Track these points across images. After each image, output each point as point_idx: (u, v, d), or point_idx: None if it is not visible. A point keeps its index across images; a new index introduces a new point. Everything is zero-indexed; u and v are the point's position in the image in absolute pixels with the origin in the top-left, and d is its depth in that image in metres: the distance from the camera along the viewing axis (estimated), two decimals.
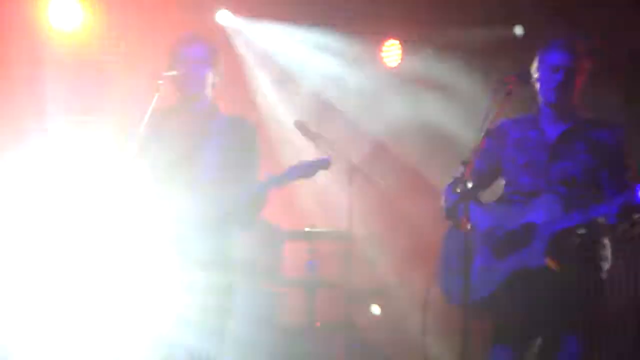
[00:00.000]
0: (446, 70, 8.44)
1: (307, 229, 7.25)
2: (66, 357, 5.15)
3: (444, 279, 4.78)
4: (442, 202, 4.81)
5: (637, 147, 4.74)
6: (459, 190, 4.20)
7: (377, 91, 8.77)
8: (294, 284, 7.46)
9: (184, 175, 4.71)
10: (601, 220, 4.47)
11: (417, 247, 8.11)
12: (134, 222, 4.69)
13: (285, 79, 8.73)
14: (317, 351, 7.27)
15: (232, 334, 6.59)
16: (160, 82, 4.58)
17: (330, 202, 7.84)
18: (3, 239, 6.68)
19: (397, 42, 8.86)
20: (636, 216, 4.29)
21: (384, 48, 8.91)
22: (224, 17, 8.58)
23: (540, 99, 4.70)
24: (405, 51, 8.80)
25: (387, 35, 8.85)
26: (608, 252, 4.63)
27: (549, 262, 4.37)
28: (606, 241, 4.62)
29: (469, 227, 4.17)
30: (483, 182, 4.83)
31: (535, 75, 4.66)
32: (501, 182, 4.86)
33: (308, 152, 7.59)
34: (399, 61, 8.83)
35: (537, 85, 4.67)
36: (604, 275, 4.60)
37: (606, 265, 4.61)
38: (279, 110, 8.68)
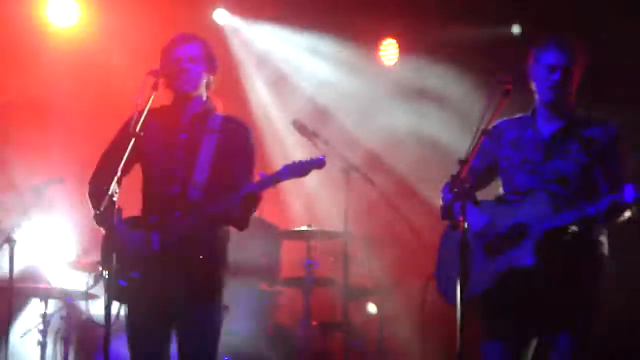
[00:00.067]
0: (441, 78, 8.46)
1: (304, 228, 7.24)
2: None
3: (440, 278, 4.78)
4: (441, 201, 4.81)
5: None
6: (455, 190, 4.20)
7: (371, 97, 8.77)
8: (291, 283, 7.46)
9: (179, 174, 4.70)
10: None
11: (415, 246, 8.11)
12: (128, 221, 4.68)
13: (279, 81, 8.73)
14: (314, 350, 7.28)
15: (230, 333, 6.63)
16: (152, 79, 4.54)
17: (327, 201, 7.83)
18: None
19: (394, 41, 8.87)
20: None
21: (382, 47, 8.92)
22: (221, 16, 8.59)
23: (536, 98, 4.70)
24: (402, 50, 8.81)
25: (384, 34, 8.87)
26: (604, 250, 4.61)
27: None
28: (603, 239, 4.61)
29: (465, 226, 4.17)
30: (479, 181, 4.82)
31: (531, 74, 4.65)
32: (499, 182, 4.86)
33: (299, 152, 7.64)
34: (396, 60, 8.85)
35: (534, 85, 4.67)
36: (600, 274, 4.58)
37: (603, 264, 4.60)
38: (271, 110, 8.68)
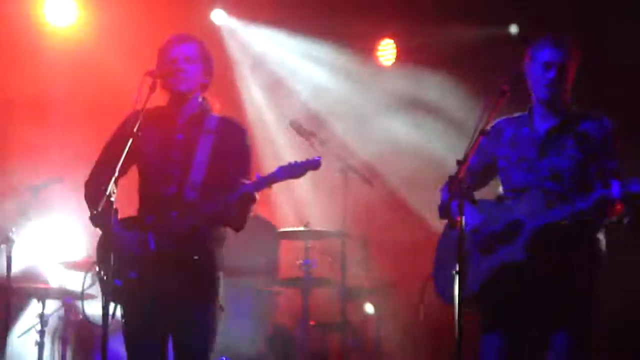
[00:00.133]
0: (438, 88, 8.46)
1: (302, 229, 7.24)
2: None
3: (438, 278, 4.78)
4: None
5: None
6: (452, 189, 4.20)
7: (366, 105, 8.76)
8: (289, 284, 7.46)
9: (175, 175, 4.70)
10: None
11: (413, 246, 8.11)
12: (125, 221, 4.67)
13: (274, 84, 8.73)
14: (312, 350, 7.28)
15: (228, 333, 6.63)
16: (150, 79, 4.54)
17: (324, 201, 7.83)
18: None
19: (391, 41, 8.87)
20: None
21: (379, 48, 8.92)
22: (219, 16, 8.59)
23: (532, 96, 4.70)
24: (399, 51, 8.81)
25: (381, 36, 8.87)
26: (601, 248, 4.60)
27: None
28: (600, 237, 4.60)
29: (463, 225, 4.17)
30: (478, 180, 4.83)
31: (527, 73, 4.66)
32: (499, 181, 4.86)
33: (289, 154, 7.65)
34: (393, 60, 8.86)
35: (530, 83, 4.67)
36: (596, 272, 4.57)
37: (599, 262, 4.59)
38: (265, 113, 8.68)
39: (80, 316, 6.65)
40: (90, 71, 7.86)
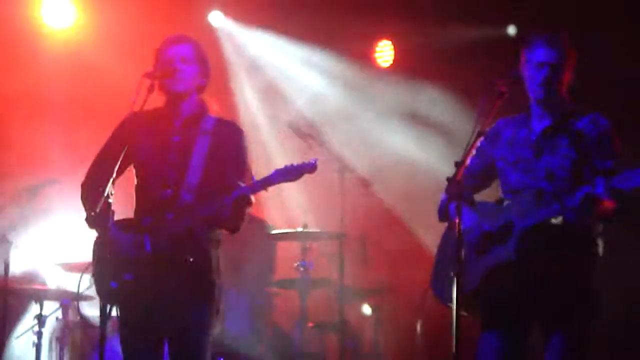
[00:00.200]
0: (435, 102, 8.46)
1: (299, 230, 7.24)
2: None
3: (437, 280, 4.78)
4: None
5: None
6: (451, 191, 4.21)
7: (361, 114, 8.77)
8: (287, 285, 7.46)
9: (171, 177, 4.70)
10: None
11: (411, 247, 8.12)
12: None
13: (269, 89, 8.73)
14: (310, 351, 7.28)
15: (226, 334, 6.63)
16: (148, 81, 4.55)
17: (322, 202, 7.83)
18: None
19: (389, 42, 8.88)
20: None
21: (377, 48, 8.93)
22: (216, 18, 8.59)
23: (529, 96, 4.70)
24: (397, 51, 8.82)
25: (379, 37, 8.88)
26: (594, 246, 4.56)
27: None
28: (595, 236, 4.56)
29: (461, 227, 4.17)
30: (479, 182, 4.82)
31: (524, 73, 4.65)
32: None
33: (280, 158, 7.66)
34: (391, 62, 8.87)
35: (526, 84, 4.67)
36: (591, 273, 4.55)
37: (594, 262, 4.57)
38: (257, 115, 8.67)
39: (78, 317, 6.65)
40: (89, 73, 7.85)
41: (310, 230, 7.24)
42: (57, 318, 6.83)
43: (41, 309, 6.79)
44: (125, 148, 4.45)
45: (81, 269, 5.12)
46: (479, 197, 4.75)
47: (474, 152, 4.55)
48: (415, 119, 8.60)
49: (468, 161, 4.25)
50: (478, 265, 4.53)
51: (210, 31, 8.49)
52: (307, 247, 7.25)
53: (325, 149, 6.99)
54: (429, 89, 8.47)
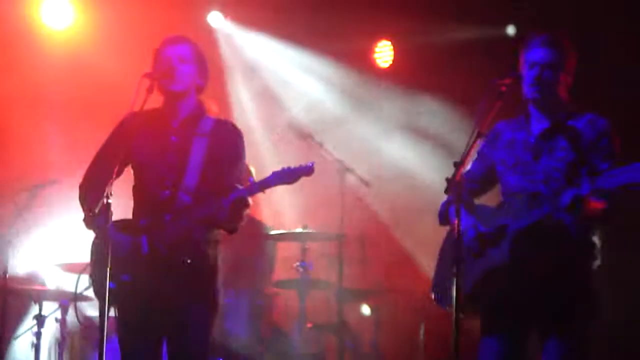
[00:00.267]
0: (433, 114, 8.46)
1: (299, 230, 7.24)
2: None
3: (436, 281, 4.77)
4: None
5: None
6: (451, 192, 4.19)
7: (357, 124, 8.76)
8: (286, 285, 7.46)
9: (169, 178, 4.70)
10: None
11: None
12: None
13: (264, 92, 8.73)
14: (309, 352, 7.28)
15: (225, 334, 6.63)
16: (147, 81, 4.55)
17: (322, 203, 7.84)
18: None
19: (389, 43, 8.88)
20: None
21: (377, 49, 8.93)
22: (215, 19, 8.59)
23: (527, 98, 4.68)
24: (397, 52, 8.82)
25: (379, 36, 8.88)
26: (589, 248, 4.53)
27: None
28: (590, 237, 4.54)
29: (460, 229, 4.17)
30: (480, 185, 4.80)
31: (522, 75, 4.64)
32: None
33: (269, 161, 7.66)
34: (391, 62, 8.87)
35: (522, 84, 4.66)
36: (587, 276, 4.52)
37: (590, 265, 4.54)
38: (251, 118, 8.67)
39: (77, 318, 6.65)
40: (88, 73, 7.86)
41: (310, 231, 7.24)
42: (56, 319, 6.83)
43: (40, 310, 6.79)
44: (124, 148, 4.45)
45: (81, 269, 5.12)
46: (478, 200, 4.75)
47: (475, 156, 4.55)
48: (415, 131, 8.59)
49: (469, 165, 4.24)
50: (473, 268, 4.51)
51: (209, 32, 8.49)
52: (307, 247, 7.25)
53: (325, 149, 6.99)
54: (428, 98, 8.46)
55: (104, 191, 4.26)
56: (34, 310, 6.83)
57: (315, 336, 7.39)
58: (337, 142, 7.81)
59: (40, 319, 6.77)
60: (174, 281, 4.59)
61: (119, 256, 4.49)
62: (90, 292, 4.77)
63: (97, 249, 4.64)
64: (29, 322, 6.92)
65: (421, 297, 6.87)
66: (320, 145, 6.57)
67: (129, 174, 4.79)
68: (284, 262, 7.51)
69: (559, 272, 4.46)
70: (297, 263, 7.21)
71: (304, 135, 6.66)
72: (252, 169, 6.70)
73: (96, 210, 4.27)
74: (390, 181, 8.35)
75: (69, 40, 8.03)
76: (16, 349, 7.17)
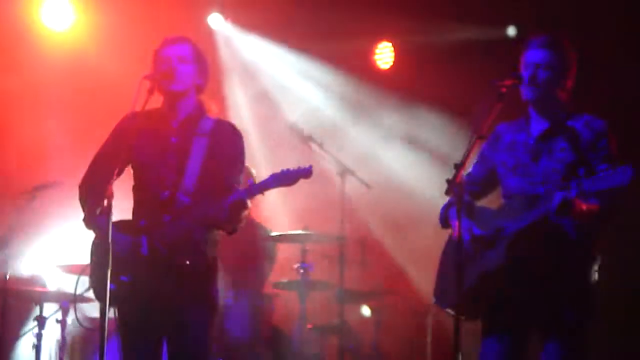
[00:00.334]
0: (433, 127, 8.45)
1: (300, 232, 7.24)
2: None
3: (437, 284, 4.77)
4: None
5: None
6: (451, 193, 4.19)
7: (355, 130, 8.76)
8: (287, 286, 7.46)
9: (169, 179, 4.70)
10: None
11: (410, 249, 8.13)
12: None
13: (261, 95, 8.72)
14: (309, 353, 7.28)
15: (226, 335, 6.63)
16: (148, 83, 4.55)
17: (322, 204, 7.83)
18: None
19: (389, 44, 8.88)
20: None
21: (377, 50, 8.93)
22: (215, 20, 8.58)
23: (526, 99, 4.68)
24: (397, 53, 8.82)
25: (380, 37, 8.87)
26: (585, 249, 4.53)
27: None
28: (586, 238, 4.53)
29: (460, 231, 4.16)
30: (482, 188, 4.80)
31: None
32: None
33: (263, 164, 7.65)
34: (391, 63, 8.86)
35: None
36: (585, 278, 4.52)
37: (587, 266, 4.54)
38: (247, 121, 8.66)
39: (78, 319, 6.65)
40: (88, 74, 7.86)
41: (310, 232, 7.23)
42: (57, 320, 6.83)
43: (41, 311, 6.79)
44: (124, 149, 4.45)
45: (81, 271, 5.13)
46: (482, 202, 4.75)
47: (476, 158, 4.55)
48: (414, 142, 8.59)
49: (470, 167, 4.23)
50: (472, 270, 4.51)
51: (209, 33, 8.49)
52: (307, 249, 7.25)
53: (325, 151, 6.99)
54: (426, 105, 8.46)
55: (104, 191, 4.26)
56: (35, 311, 6.83)
57: (315, 337, 7.39)
58: (335, 148, 7.83)
59: (41, 321, 6.76)
60: (174, 282, 4.59)
61: (118, 257, 4.49)
62: (90, 294, 4.77)
63: (97, 250, 4.64)
64: (29, 324, 6.91)
65: (422, 299, 6.87)
66: (321, 146, 6.57)
67: (128, 174, 4.80)
68: (285, 263, 7.51)
69: (559, 272, 4.46)
70: (298, 264, 7.21)
71: (305, 138, 6.65)
72: (253, 171, 6.71)
73: (97, 211, 4.27)
74: (388, 189, 8.34)
75: (69, 41, 8.03)
76: (17, 350, 7.17)
